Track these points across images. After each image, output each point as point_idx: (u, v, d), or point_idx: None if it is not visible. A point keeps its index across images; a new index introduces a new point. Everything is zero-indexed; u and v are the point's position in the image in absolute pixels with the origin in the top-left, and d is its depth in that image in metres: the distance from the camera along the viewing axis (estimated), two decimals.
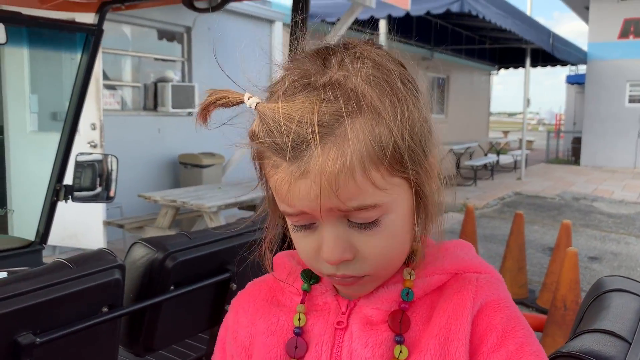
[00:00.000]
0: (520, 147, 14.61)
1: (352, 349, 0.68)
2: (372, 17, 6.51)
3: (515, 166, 14.72)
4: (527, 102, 13.36)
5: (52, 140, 2.41)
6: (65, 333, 1.28)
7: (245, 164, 0.67)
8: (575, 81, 20.97)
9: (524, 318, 0.68)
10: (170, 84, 6.87)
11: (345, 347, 0.69)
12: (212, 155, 6.85)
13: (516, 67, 17.01)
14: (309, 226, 0.64)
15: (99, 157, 2.44)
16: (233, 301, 0.82)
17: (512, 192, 11.07)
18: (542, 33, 12.12)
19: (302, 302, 0.74)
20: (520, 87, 13.61)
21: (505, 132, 26.02)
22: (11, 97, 5.05)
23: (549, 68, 17.59)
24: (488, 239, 6.96)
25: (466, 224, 5.13)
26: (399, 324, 0.67)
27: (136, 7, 2.27)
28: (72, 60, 2.54)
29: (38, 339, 1.22)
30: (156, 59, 7.28)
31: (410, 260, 0.70)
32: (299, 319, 0.72)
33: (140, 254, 1.62)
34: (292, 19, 1.57)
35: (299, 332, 0.72)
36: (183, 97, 6.91)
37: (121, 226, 5.51)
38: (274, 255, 0.78)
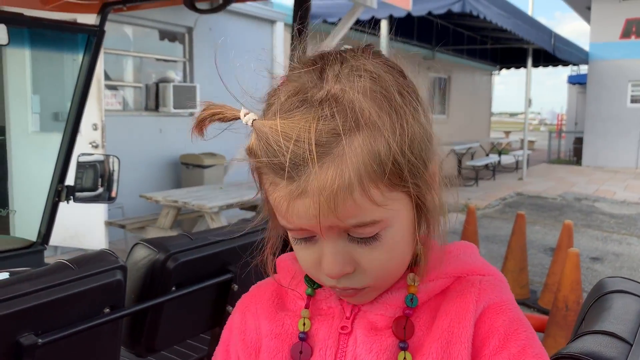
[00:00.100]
0: (521, 148, 14.60)
1: (357, 354, 0.68)
2: (373, 18, 6.50)
3: (516, 166, 14.71)
4: (529, 102, 13.36)
5: (54, 141, 2.42)
6: (67, 334, 1.28)
7: (246, 164, 0.66)
8: (577, 81, 20.96)
9: (527, 320, 0.68)
10: (171, 84, 6.88)
11: (349, 352, 0.69)
12: (213, 155, 6.85)
13: (518, 67, 16.99)
14: (310, 239, 0.64)
15: (101, 157, 2.45)
16: (238, 303, 0.82)
17: (514, 192, 11.06)
18: (544, 33, 12.11)
19: (307, 306, 0.74)
20: (522, 87, 13.62)
21: (507, 133, 26.02)
22: (13, 97, 5.06)
23: (550, 68, 17.60)
24: (489, 239, 6.95)
25: (468, 224, 5.13)
26: (403, 330, 0.67)
27: (137, 8, 2.28)
28: (73, 60, 2.54)
29: (40, 340, 1.22)
30: (158, 60, 7.29)
31: (413, 264, 0.70)
32: (304, 324, 0.72)
33: (142, 255, 1.62)
34: (292, 29, 1.57)
35: (304, 337, 0.72)
36: (184, 97, 6.91)
37: (123, 226, 5.51)
38: (277, 257, 0.78)
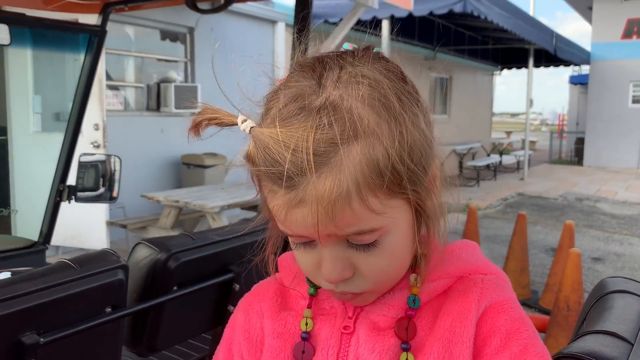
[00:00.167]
0: (523, 148, 14.59)
1: (359, 354, 0.68)
2: (374, 18, 6.51)
3: (518, 167, 14.71)
4: (530, 102, 13.35)
5: (56, 141, 2.42)
6: (68, 333, 1.29)
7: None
8: (579, 81, 20.95)
9: (529, 319, 0.68)
10: (173, 84, 6.88)
11: (351, 352, 0.69)
12: (214, 155, 6.85)
13: (519, 67, 16.97)
14: (309, 244, 0.64)
15: (102, 157, 2.45)
16: (240, 302, 0.82)
17: (515, 192, 11.05)
18: (545, 33, 12.11)
19: (309, 306, 0.74)
20: (523, 87, 13.70)
21: (508, 133, 25.99)
22: (15, 97, 5.07)
23: (552, 68, 17.57)
24: (491, 239, 6.95)
25: (469, 224, 5.13)
26: (405, 331, 0.67)
27: (139, 8, 2.28)
28: (75, 61, 2.55)
29: (42, 339, 1.22)
30: (159, 60, 7.30)
31: (415, 264, 0.70)
32: (306, 324, 0.73)
33: (144, 254, 1.62)
34: (293, 30, 1.57)
35: (307, 337, 0.72)
36: (186, 97, 6.91)
37: (124, 226, 5.52)
38: (278, 256, 0.78)
